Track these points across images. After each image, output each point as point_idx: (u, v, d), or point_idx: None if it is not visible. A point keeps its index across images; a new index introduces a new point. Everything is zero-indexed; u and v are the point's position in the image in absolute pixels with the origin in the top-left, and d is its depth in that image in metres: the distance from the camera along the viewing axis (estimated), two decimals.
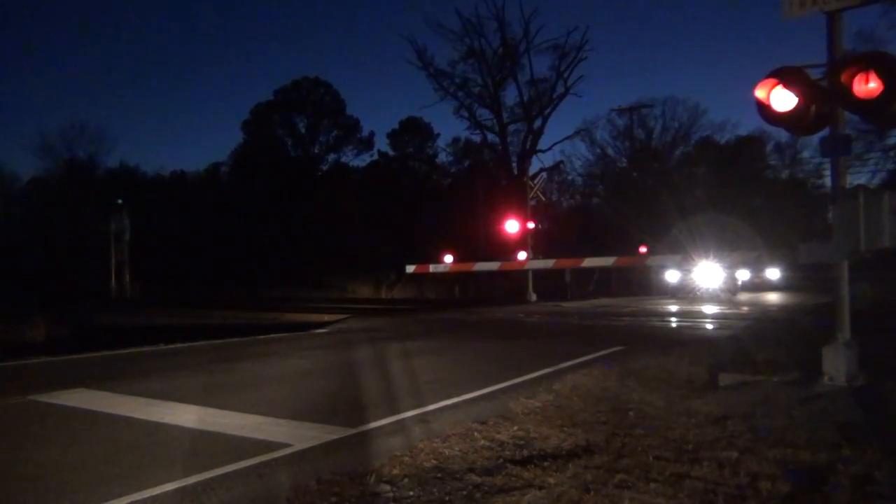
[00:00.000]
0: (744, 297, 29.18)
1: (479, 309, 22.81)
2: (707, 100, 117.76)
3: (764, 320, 16.57)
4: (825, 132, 6.64)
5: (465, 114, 45.51)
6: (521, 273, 28.08)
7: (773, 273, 38.27)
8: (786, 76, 6.43)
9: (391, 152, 55.23)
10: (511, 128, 45.11)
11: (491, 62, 43.82)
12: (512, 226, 29.09)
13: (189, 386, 7.66)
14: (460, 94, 45.04)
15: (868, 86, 5.96)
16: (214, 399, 6.70)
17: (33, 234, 43.61)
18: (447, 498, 3.88)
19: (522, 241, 28.92)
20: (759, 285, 35.69)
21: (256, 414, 6.02)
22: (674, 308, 22.00)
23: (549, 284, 30.68)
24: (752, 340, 11.01)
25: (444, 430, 5.31)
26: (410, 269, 20.24)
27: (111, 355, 10.74)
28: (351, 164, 55.24)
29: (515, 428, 5.37)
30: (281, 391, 7.43)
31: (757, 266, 32.88)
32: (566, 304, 25.31)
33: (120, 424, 5.79)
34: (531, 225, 28.77)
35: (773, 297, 29.39)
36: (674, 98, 48.65)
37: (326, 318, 17.75)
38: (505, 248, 31.68)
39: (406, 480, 4.17)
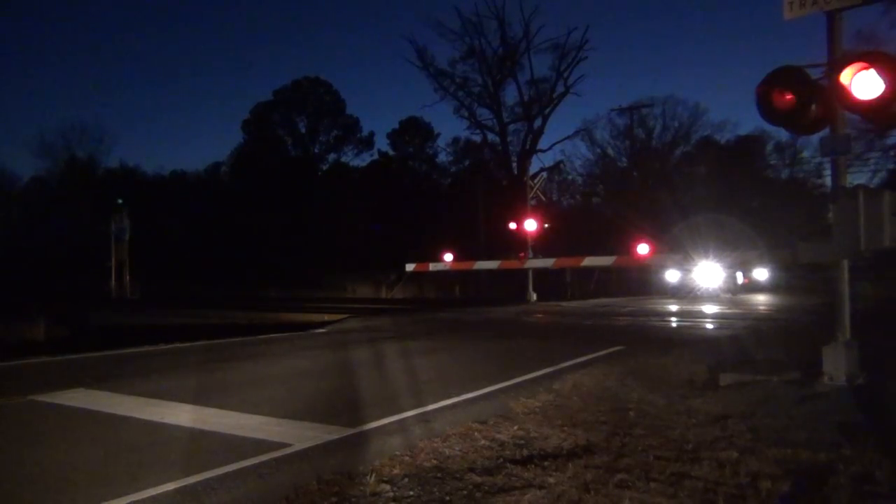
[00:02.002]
0: (742, 297, 29.19)
1: (479, 308, 22.81)
2: (707, 99, 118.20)
3: (763, 320, 16.57)
4: (825, 132, 6.65)
5: (466, 113, 45.67)
6: (521, 272, 28.05)
7: (762, 274, 38.09)
8: (786, 76, 6.44)
9: (391, 152, 55.40)
10: (511, 127, 45.24)
11: (491, 62, 43.92)
12: (512, 225, 29.08)
13: (189, 386, 7.65)
14: (460, 93, 45.18)
15: (868, 85, 5.97)
16: (214, 399, 6.69)
17: (33, 234, 43.63)
18: (447, 498, 3.87)
19: (522, 241, 28.92)
20: (748, 286, 35.54)
21: (256, 414, 6.02)
22: (674, 308, 21.99)
23: (550, 284, 30.70)
24: (752, 340, 11.02)
25: (444, 430, 5.31)
26: (410, 267, 20.28)
27: (111, 355, 10.73)
28: (351, 163, 55.43)
29: (515, 427, 5.37)
30: (281, 391, 7.43)
31: (745, 267, 32.78)
32: (566, 304, 25.31)
33: (119, 424, 5.78)
34: (531, 224, 28.75)
35: (767, 298, 29.37)
36: (674, 97, 48.84)
37: (326, 317, 17.75)
38: (505, 248, 31.68)
39: (406, 480, 4.17)
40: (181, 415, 6.02)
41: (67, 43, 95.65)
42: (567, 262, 23.94)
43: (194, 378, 8.28)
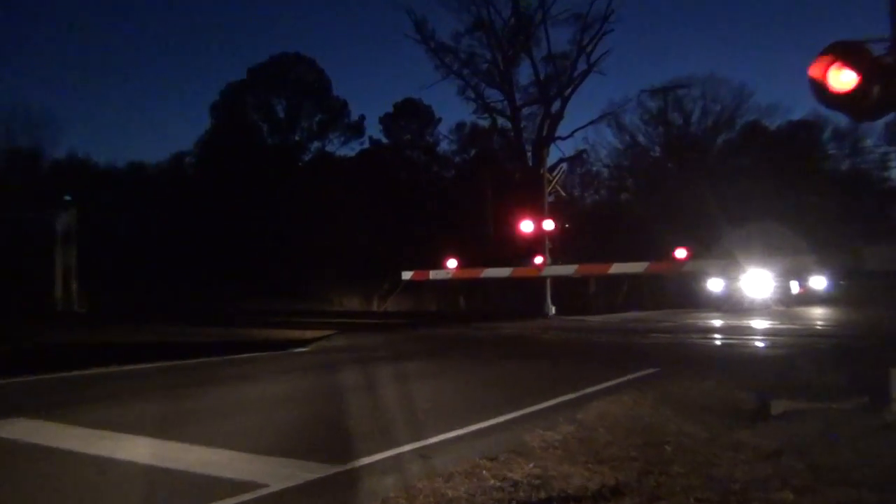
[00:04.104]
0: (796, 309, 29.21)
1: (487, 324, 22.84)
2: (754, 79, 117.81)
3: (822, 337, 16.57)
4: (891, 117, 6.64)
5: (472, 95, 45.64)
6: (537, 281, 28.10)
7: (819, 282, 37.93)
8: (844, 52, 6.43)
9: (384, 140, 55.45)
10: (525, 111, 45.21)
11: (501, 35, 43.95)
12: (526, 226, 29.12)
13: (147, 415, 7.67)
14: (465, 71, 45.20)
15: None
16: (176, 430, 6.70)
17: None
18: None
19: (539, 244, 28.95)
20: (803, 297, 35.51)
21: (226, 448, 6.02)
22: (717, 323, 22.01)
23: (571, 295, 30.72)
24: (808, 361, 11.01)
25: (446, 468, 5.31)
26: (407, 275, 20.38)
27: (55, 378, 10.75)
28: (337, 153, 55.44)
29: (531, 465, 5.37)
30: (255, 421, 7.44)
31: (800, 274, 32.82)
32: (591, 319, 25.34)
33: (65, 460, 5.78)
34: (549, 225, 28.80)
35: (826, 311, 29.36)
36: (715, 77, 48.57)
37: (309, 334, 17.78)
38: (518, 252, 31.71)
39: None
40: (138, 449, 6.02)
41: (9, 18, 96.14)
42: (591, 269, 24.02)
43: (153, 406, 8.30)
